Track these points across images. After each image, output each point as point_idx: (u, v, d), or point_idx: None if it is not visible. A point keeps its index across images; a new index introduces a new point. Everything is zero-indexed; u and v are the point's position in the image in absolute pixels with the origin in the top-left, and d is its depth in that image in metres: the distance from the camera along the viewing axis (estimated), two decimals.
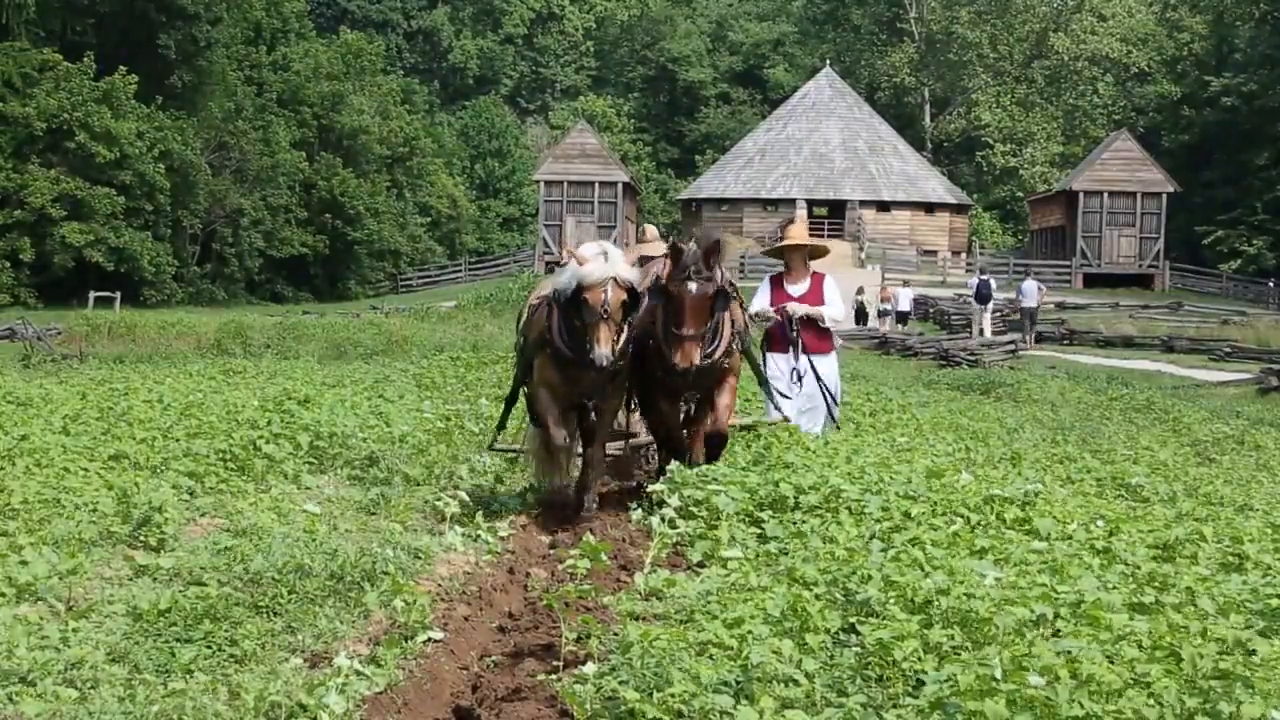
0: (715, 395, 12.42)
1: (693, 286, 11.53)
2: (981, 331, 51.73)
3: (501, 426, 13.88)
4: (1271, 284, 77.51)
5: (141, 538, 10.27)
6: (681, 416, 12.95)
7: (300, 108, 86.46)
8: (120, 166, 68.50)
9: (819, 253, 14.94)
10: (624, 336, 11.74)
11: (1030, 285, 53.42)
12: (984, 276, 54.53)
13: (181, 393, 19.28)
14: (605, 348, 11.29)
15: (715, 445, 12.52)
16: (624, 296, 11.50)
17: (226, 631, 8.02)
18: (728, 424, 12.71)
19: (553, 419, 12.23)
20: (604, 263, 11.52)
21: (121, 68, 70.22)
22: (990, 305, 52.56)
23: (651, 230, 15.78)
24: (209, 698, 7.01)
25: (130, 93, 69.93)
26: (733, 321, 12.36)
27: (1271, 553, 9.23)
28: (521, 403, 13.49)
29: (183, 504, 11.45)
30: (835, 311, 14.51)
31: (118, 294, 61.23)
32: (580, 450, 13.17)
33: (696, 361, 11.50)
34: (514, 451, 14.10)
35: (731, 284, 12.58)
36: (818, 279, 14.44)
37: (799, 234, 15.27)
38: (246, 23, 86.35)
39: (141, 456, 13.15)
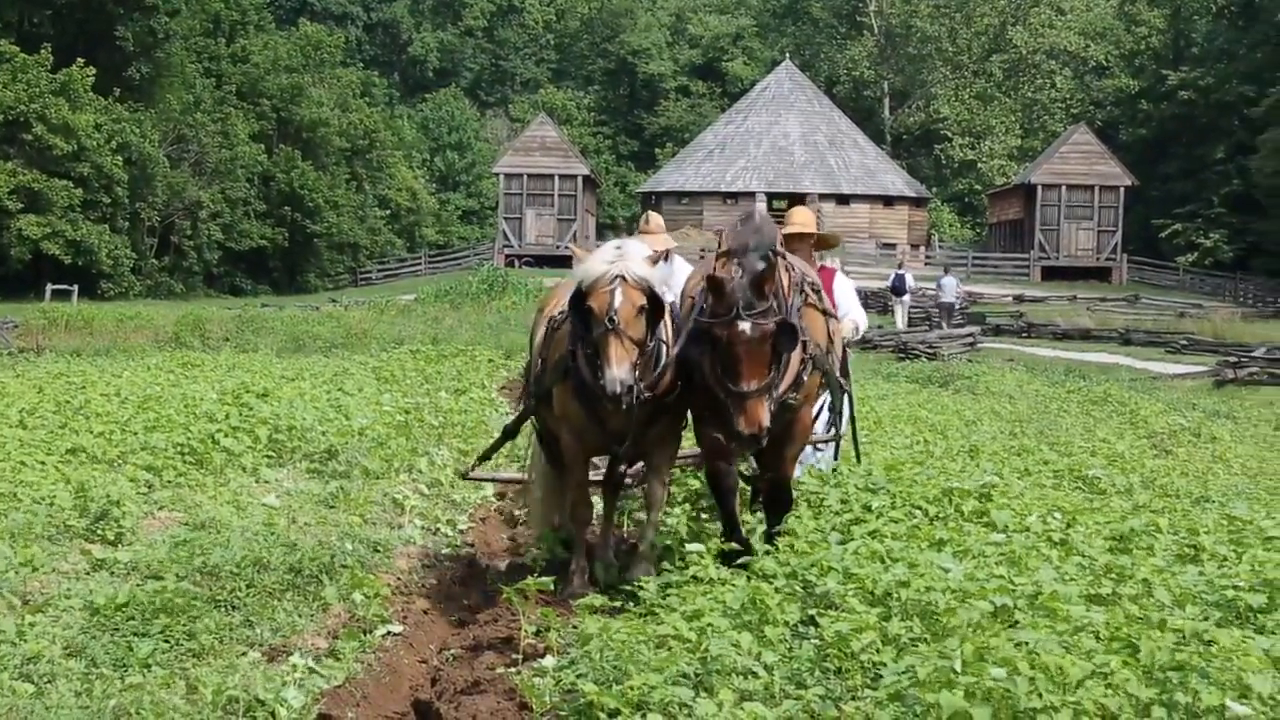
0: (781, 441, 9.61)
1: (745, 327, 8.70)
2: (943, 325, 51.88)
3: (486, 458, 11.75)
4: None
5: (99, 532, 10.24)
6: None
7: (259, 100, 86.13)
8: (78, 159, 68.06)
9: (829, 243, 12.55)
10: (660, 357, 9.40)
11: (949, 281, 53.81)
12: (900, 271, 55.12)
13: (139, 386, 19.20)
14: (620, 369, 8.85)
15: (776, 501, 9.90)
16: (640, 301, 9.10)
17: (184, 626, 8.00)
18: (792, 474, 10.13)
19: (580, 491, 10.00)
20: (610, 258, 9.27)
21: (79, 59, 69.74)
22: (907, 298, 53.05)
23: (656, 219, 12.33)
24: (167, 692, 7.00)
25: (88, 85, 69.49)
26: (804, 342, 9.37)
27: (1227, 544, 9.28)
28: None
29: (140, 498, 11.42)
30: (859, 319, 11.93)
31: (75, 287, 60.90)
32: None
33: (766, 424, 8.74)
34: (492, 480, 13.36)
35: (813, 284, 10.00)
36: (826, 276, 11.62)
37: (805, 220, 11.79)
38: (205, 14, 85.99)
39: (99, 450, 13.10)
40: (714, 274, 8.94)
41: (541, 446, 11.01)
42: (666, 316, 9.58)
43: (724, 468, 9.69)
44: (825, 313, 10.11)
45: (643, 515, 10.42)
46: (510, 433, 11.18)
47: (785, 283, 9.17)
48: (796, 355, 9.21)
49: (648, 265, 9.27)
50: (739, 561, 8.54)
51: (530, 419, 10.89)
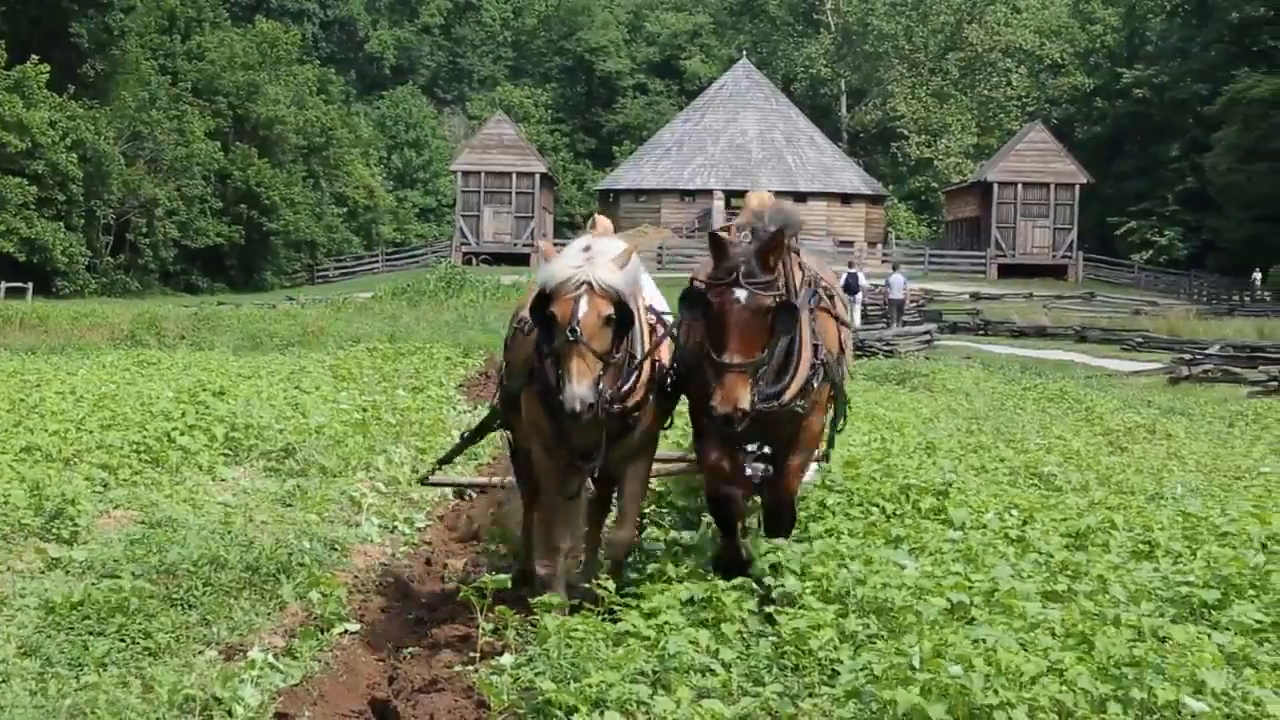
0: (785, 451, 8.94)
1: (740, 295, 8.03)
2: (895, 323, 52.05)
3: (446, 461, 11.30)
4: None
5: (54, 530, 10.18)
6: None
7: (215, 97, 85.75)
8: (32, 156, 67.73)
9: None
10: (636, 372, 8.58)
11: (897, 278, 53.89)
12: (853, 270, 55.21)
13: (95, 384, 19.09)
14: (581, 385, 7.97)
15: (777, 516, 9.07)
16: (607, 311, 8.19)
17: (140, 624, 7.97)
18: (797, 488, 9.31)
19: (552, 512, 8.96)
20: (578, 261, 8.33)
21: (33, 56, 69.47)
22: (860, 297, 53.18)
23: (604, 222, 10.40)
24: (122, 691, 6.96)
25: (42, 82, 69.19)
26: (816, 345, 8.78)
27: (1181, 541, 9.33)
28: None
29: (96, 496, 11.35)
30: None
31: (29, 285, 60.65)
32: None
33: (744, 405, 7.94)
34: (453, 485, 13.24)
35: (827, 289, 9.42)
36: None
37: (763, 204, 9.87)
38: (160, 11, 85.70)
39: (54, 448, 13.01)
40: (716, 232, 8.37)
41: (511, 458, 10.24)
42: (641, 325, 8.71)
43: (726, 492, 8.86)
44: (838, 319, 9.49)
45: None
46: (471, 438, 10.64)
47: (796, 280, 8.61)
48: (806, 360, 8.60)
49: (617, 270, 8.32)
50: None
51: (497, 425, 10.22)
